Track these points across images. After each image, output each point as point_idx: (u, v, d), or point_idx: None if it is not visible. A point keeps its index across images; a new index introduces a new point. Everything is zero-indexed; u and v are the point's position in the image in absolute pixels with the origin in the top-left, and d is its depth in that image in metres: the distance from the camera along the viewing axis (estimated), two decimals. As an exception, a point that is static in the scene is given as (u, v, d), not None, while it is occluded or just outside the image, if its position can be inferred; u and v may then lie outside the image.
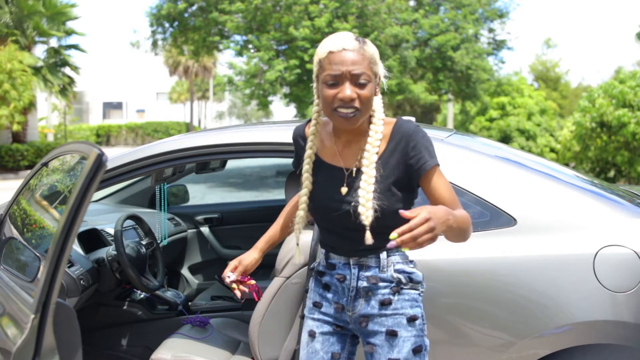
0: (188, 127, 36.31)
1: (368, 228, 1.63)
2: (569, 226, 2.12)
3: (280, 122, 3.11)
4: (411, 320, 1.73)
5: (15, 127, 16.02)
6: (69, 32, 18.47)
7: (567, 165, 11.62)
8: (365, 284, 1.75)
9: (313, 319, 1.84)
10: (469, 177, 2.21)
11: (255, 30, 15.74)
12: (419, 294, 1.78)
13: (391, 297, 1.73)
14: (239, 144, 2.51)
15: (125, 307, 3.29)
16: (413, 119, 3.14)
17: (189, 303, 3.44)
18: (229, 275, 2.00)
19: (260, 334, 2.36)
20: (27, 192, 2.60)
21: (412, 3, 17.20)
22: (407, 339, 1.72)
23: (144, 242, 3.34)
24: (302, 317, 1.88)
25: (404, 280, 1.74)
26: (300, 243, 1.87)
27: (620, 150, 11.10)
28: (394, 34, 15.13)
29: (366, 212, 1.63)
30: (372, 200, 1.63)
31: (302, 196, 1.78)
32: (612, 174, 12.17)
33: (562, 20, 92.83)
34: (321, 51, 1.67)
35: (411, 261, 1.79)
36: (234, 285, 2.01)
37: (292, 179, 2.67)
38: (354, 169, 1.73)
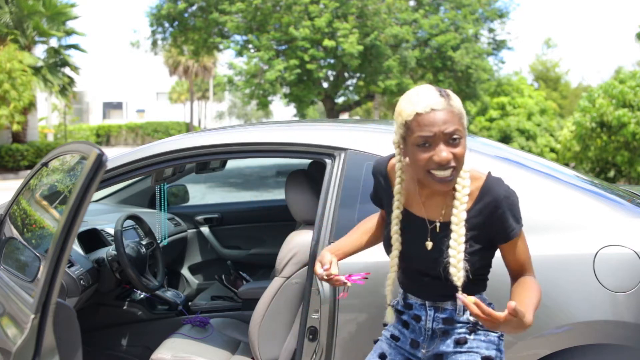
0: (188, 127, 36.30)
1: (460, 289, 1.59)
2: (569, 226, 2.12)
3: (280, 122, 3.11)
4: (486, 359, 1.69)
5: (15, 127, 16.02)
6: (69, 32, 18.46)
7: (567, 165, 11.62)
8: (440, 325, 1.73)
9: (389, 345, 1.82)
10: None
11: (255, 30, 15.74)
12: (499, 338, 1.73)
13: (467, 336, 1.70)
14: (239, 144, 2.51)
15: (125, 307, 3.29)
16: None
17: (189, 303, 3.44)
18: (320, 272, 1.76)
19: (260, 334, 2.36)
20: (27, 192, 2.60)
21: (412, 3, 17.21)
22: None
23: (144, 242, 3.34)
24: (375, 341, 1.88)
25: (480, 323, 1.67)
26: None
27: (620, 150, 11.10)
28: (394, 34, 15.13)
29: (458, 274, 1.59)
30: (463, 260, 1.59)
31: (392, 258, 1.75)
32: (612, 174, 12.17)
33: (562, 20, 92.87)
34: (406, 113, 1.58)
35: (490, 303, 1.76)
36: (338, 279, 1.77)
37: (292, 178, 2.67)
38: (438, 223, 1.68)
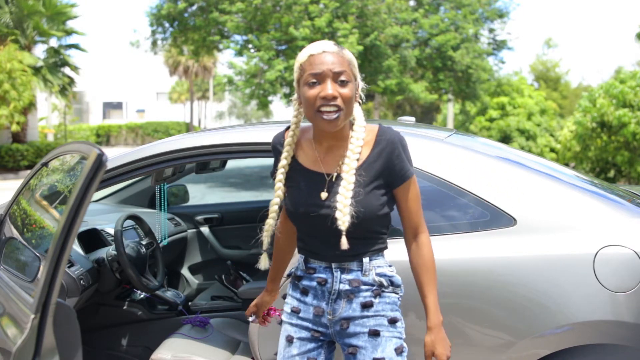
0: (188, 127, 36.30)
1: (344, 233, 1.65)
2: (569, 226, 2.12)
3: (280, 122, 3.11)
4: (392, 321, 1.75)
5: (14, 127, 16.01)
6: (69, 32, 18.45)
7: (567, 165, 11.62)
8: (347, 287, 1.75)
9: (291, 324, 1.84)
10: (469, 177, 2.21)
11: (255, 30, 15.73)
12: (398, 298, 1.80)
13: (372, 299, 1.75)
14: (239, 144, 2.51)
15: (125, 307, 3.29)
16: (413, 119, 3.12)
17: (189, 303, 3.44)
18: (251, 319, 2.11)
19: (260, 334, 2.36)
20: (27, 192, 2.60)
21: (412, 3, 17.20)
22: (390, 339, 1.74)
23: (144, 242, 3.34)
24: (280, 322, 1.90)
25: (385, 284, 1.76)
26: (266, 250, 1.88)
27: (620, 150, 11.09)
28: (394, 33, 15.12)
29: (343, 218, 1.65)
30: (349, 206, 1.65)
31: (272, 205, 1.81)
32: (612, 174, 12.16)
33: (562, 20, 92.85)
34: (302, 56, 1.71)
35: (390, 265, 1.81)
36: (259, 320, 2.11)
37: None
38: (335, 175, 1.74)
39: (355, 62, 1.73)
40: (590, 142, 11.67)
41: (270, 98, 16.61)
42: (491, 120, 21.13)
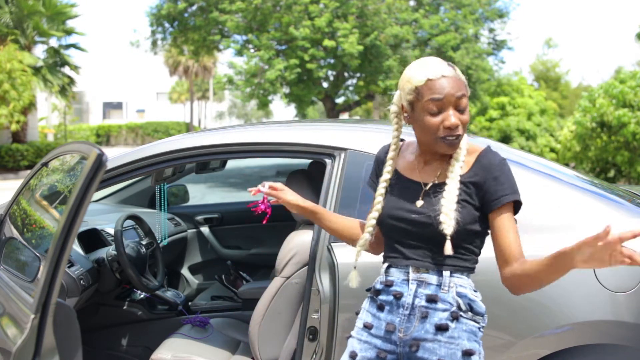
0: (188, 127, 36.30)
1: (449, 238, 1.59)
2: (569, 226, 2.12)
3: (280, 122, 3.11)
4: (467, 354, 1.62)
5: (14, 127, 16.01)
6: (69, 32, 18.46)
7: (567, 165, 11.62)
8: (423, 302, 1.65)
9: (360, 340, 1.74)
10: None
11: (256, 30, 15.74)
12: (479, 329, 1.67)
13: (449, 322, 1.62)
14: (239, 144, 2.51)
15: (125, 307, 3.29)
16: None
17: (189, 303, 3.44)
18: (264, 184, 1.91)
19: (260, 334, 2.36)
20: (27, 192, 2.60)
21: (412, 3, 17.20)
22: None
23: (144, 242, 3.34)
24: (348, 337, 1.79)
25: (463, 307, 1.64)
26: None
27: (620, 150, 11.09)
28: (394, 34, 15.13)
29: (449, 222, 1.59)
30: (454, 211, 1.61)
31: (370, 219, 1.75)
32: (612, 174, 12.16)
33: (562, 20, 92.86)
34: (417, 78, 1.64)
35: (476, 290, 1.71)
36: (260, 193, 1.90)
37: (292, 179, 2.67)
38: (432, 184, 1.70)
39: (466, 83, 1.71)
40: (590, 142, 11.66)
41: (270, 98, 16.62)
42: (491, 120, 21.13)
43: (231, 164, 10.72)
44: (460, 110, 1.64)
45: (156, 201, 3.84)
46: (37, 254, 2.12)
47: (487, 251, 2.11)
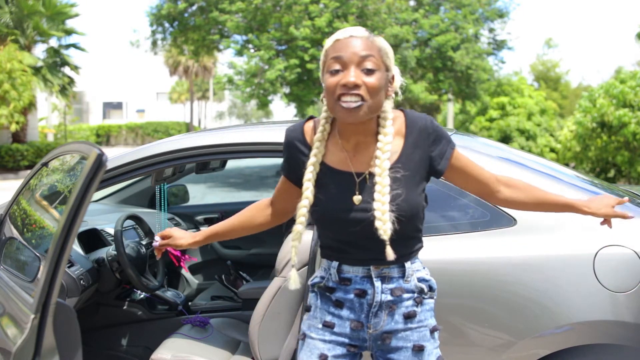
0: (188, 127, 36.30)
1: (388, 243, 1.48)
2: (569, 226, 2.12)
3: (280, 122, 3.11)
4: (433, 331, 1.64)
5: (14, 127, 16.02)
6: (69, 32, 18.46)
7: (567, 165, 11.62)
8: (389, 297, 1.59)
9: (324, 340, 1.63)
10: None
11: (256, 30, 15.74)
12: (434, 300, 1.69)
13: (415, 309, 1.61)
14: (239, 144, 2.51)
15: (125, 307, 3.29)
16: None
17: (189, 303, 3.44)
18: (157, 239, 1.86)
19: (260, 334, 2.36)
20: (27, 192, 2.60)
21: (412, 3, 17.20)
22: (432, 352, 1.63)
23: (144, 242, 3.34)
24: (304, 337, 1.68)
25: (425, 290, 1.63)
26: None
27: (620, 150, 11.09)
28: (394, 34, 15.13)
29: (384, 226, 1.48)
30: (388, 212, 1.48)
31: (300, 208, 1.58)
32: (612, 174, 12.16)
33: (562, 20, 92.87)
34: (328, 42, 1.54)
35: (424, 267, 1.68)
36: (158, 250, 1.88)
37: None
38: (367, 175, 1.56)
39: (389, 51, 1.54)
40: (590, 142, 11.66)
41: (270, 98, 16.62)
42: (491, 120, 21.13)
43: (231, 164, 10.74)
44: (366, 72, 1.47)
45: (156, 201, 3.84)
46: (37, 254, 2.12)
47: (487, 252, 2.11)
